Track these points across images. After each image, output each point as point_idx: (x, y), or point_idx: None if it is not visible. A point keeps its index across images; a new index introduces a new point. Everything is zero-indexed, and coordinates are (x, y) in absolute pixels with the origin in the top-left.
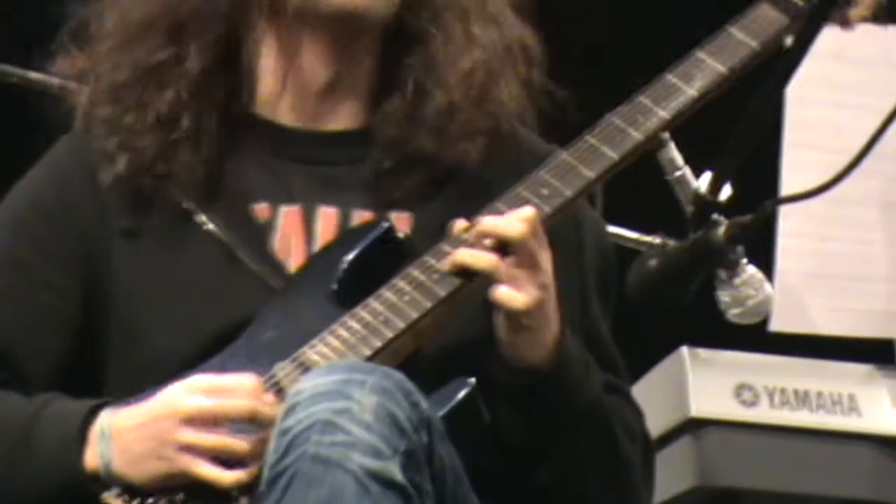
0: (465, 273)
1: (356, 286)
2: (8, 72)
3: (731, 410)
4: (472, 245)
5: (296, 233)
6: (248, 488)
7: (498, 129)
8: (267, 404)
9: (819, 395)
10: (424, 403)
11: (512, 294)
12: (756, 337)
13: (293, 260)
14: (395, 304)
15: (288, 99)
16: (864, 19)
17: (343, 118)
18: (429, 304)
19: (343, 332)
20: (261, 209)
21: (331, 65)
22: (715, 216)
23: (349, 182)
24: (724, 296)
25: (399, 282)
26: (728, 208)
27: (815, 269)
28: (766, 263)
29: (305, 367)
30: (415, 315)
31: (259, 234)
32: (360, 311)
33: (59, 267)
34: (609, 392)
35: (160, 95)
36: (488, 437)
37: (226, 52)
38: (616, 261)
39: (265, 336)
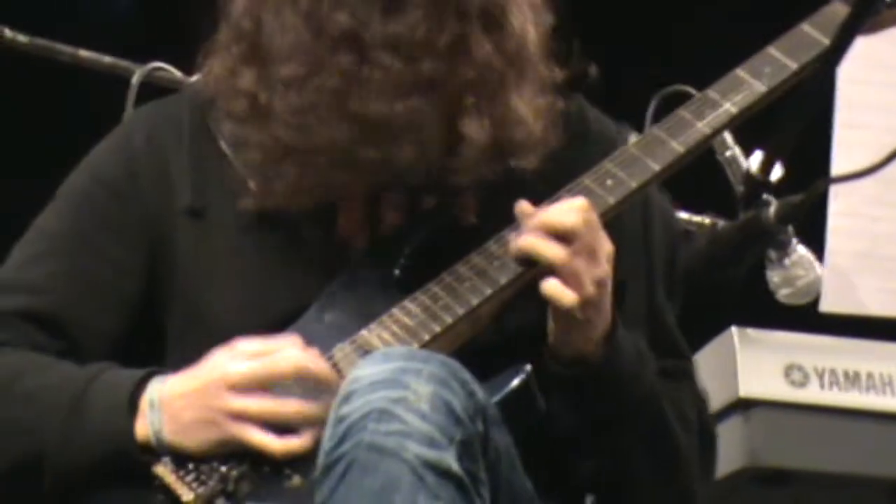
0: (528, 261)
1: (418, 271)
2: (57, 49)
3: (781, 391)
4: (533, 234)
5: (360, 216)
6: (302, 466)
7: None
8: (313, 361)
9: (869, 375)
10: (480, 392)
11: (562, 291)
12: (806, 317)
13: (357, 241)
14: (456, 290)
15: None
16: None
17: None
18: (489, 291)
19: (402, 317)
20: None
21: None
22: (765, 196)
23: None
24: (774, 276)
25: (460, 268)
26: (779, 188)
27: (865, 249)
28: (816, 244)
29: (364, 350)
30: (475, 301)
31: (324, 215)
32: (421, 295)
33: (124, 244)
34: (671, 378)
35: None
36: (543, 424)
37: None
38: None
39: (326, 317)
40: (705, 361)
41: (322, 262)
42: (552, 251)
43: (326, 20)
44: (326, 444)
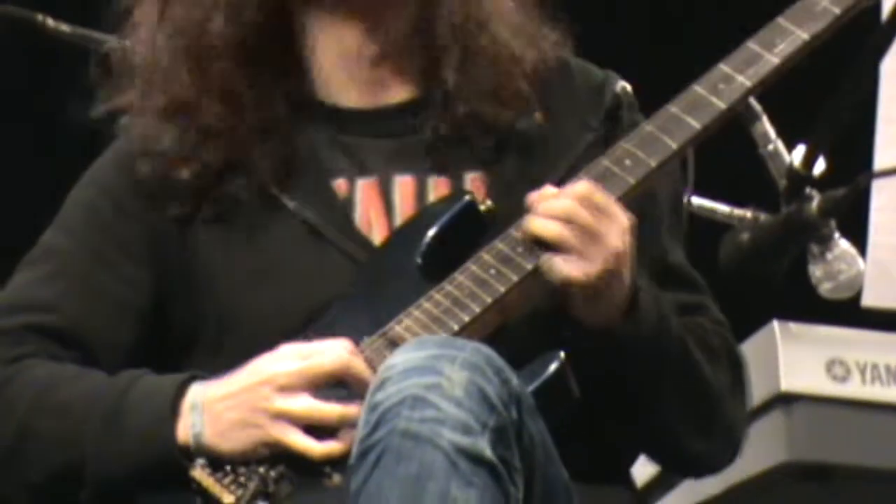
0: (542, 243)
1: (440, 259)
2: (98, 39)
3: (822, 385)
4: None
5: (375, 206)
6: (341, 465)
7: (545, 67)
8: (358, 362)
9: None
10: (514, 379)
11: (555, 266)
12: (848, 312)
13: (376, 233)
14: (482, 278)
15: (343, 80)
16: None
17: (399, 91)
18: (515, 278)
19: (429, 307)
20: (339, 185)
21: (372, 39)
22: (808, 190)
23: (418, 150)
24: (816, 270)
25: (484, 255)
26: (821, 182)
27: None
28: (859, 238)
29: (392, 342)
30: (502, 289)
31: (342, 210)
32: (447, 285)
33: (132, 257)
34: (690, 313)
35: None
36: (577, 411)
37: (280, 41)
38: (683, 179)
39: (350, 311)
40: (747, 355)
41: (344, 257)
42: (549, 229)
43: None
44: (360, 431)
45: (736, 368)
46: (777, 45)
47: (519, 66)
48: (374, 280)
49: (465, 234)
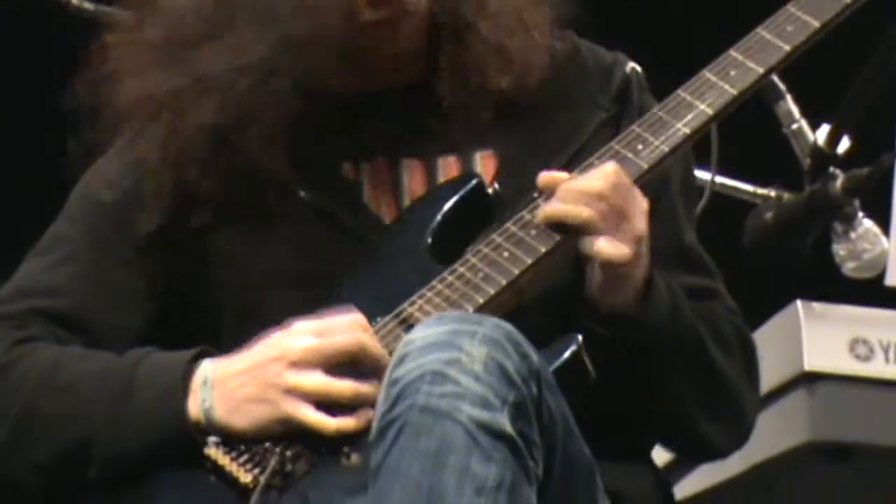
0: (561, 227)
1: (449, 240)
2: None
3: (846, 365)
4: (560, 200)
5: (384, 187)
6: (358, 444)
7: (552, 52)
8: (371, 339)
9: None
10: (534, 355)
11: (611, 246)
12: (872, 291)
13: (384, 214)
14: (495, 261)
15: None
16: None
17: (404, 74)
18: (529, 261)
19: (443, 288)
20: (347, 169)
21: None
22: (832, 169)
23: (427, 130)
24: (839, 249)
25: (497, 237)
26: (845, 161)
27: None
28: (882, 217)
29: (407, 324)
30: (516, 271)
31: (351, 193)
32: (459, 267)
33: (138, 245)
34: (700, 297)
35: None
36: (594, 392)
37: None
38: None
39: (360, 291)
40: (770, 335)
41: (355, 238)
42: (581, 213)
43: None
44: (380, 406)
45: (747, 355)
46: (787, 33)
47: (530, 40)
48: (384, 259)
49: (473, 215)
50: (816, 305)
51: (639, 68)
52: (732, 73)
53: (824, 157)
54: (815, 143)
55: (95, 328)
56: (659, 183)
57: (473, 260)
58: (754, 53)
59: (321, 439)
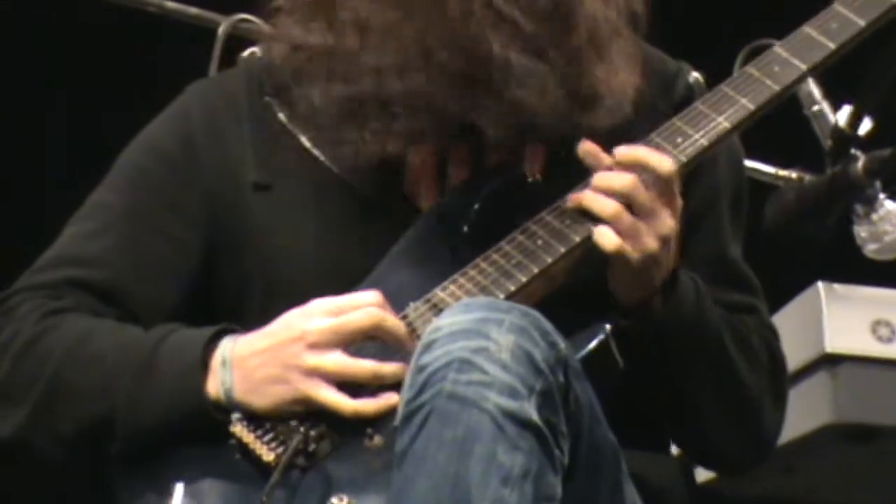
0: (589, 214)
1: (487, 228)
2: (145, 0)
3: (867, 346)
4: (591, 190)
5: (428, 174)
6: (382, 425)
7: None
8: (389, 317)
9: None
10: (561, 343)
11: (607, 237)
12: (893, 272)
13: (424, 200)
14: (529, 248)
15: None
16: None
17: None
18: (562, 249)
19: (476, 275)
20: (392, 153)
21: None
22: (853, 150)
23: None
24: (861, 231)
25: (532, 226)
26: (867, 143)
27: None
28: None
29: (438, 309)
30: (549, 260)
31: (391, 178)
32: (493, 254)
33: (180, 218)
34: (739, 312)
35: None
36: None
37: None
38: (748, 179)
39: (395, 275)
40: (791, 316)
41: (391, 222)
42: (606, 208)
43: None
44: (406, 393)
45: (775, 373)
46: (833, 30)
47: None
48: (419, 244)
49: (512, 204)
50: (838, 287)
51: (702, 79)
52: (776, 69)
53: (846, 138)
54: (836, 124)
55: (130, 301)
56: (709, 194)
57: (507, 247)
58: (799, 50)
59: (344, 420)
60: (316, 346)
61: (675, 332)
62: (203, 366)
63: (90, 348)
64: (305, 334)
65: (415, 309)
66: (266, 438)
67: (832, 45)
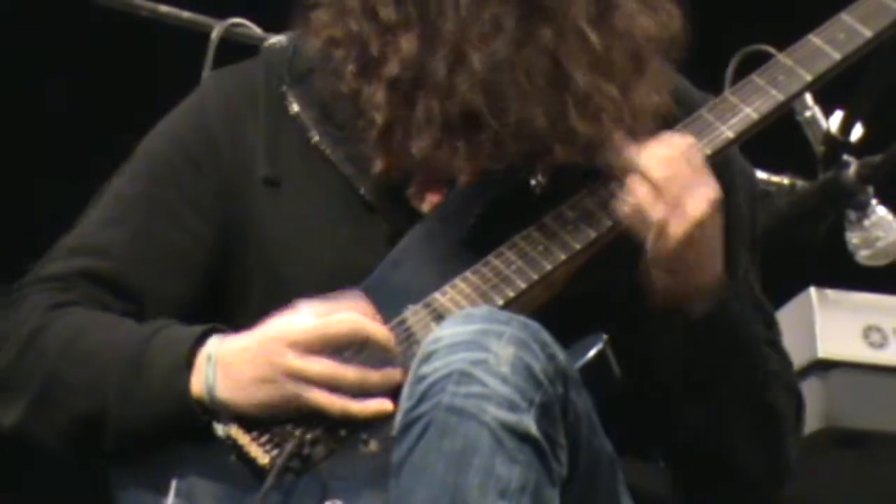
0: (594, 222)
1: (488, 231)
2: (138, 5)
3: (859, 352)
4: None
5: (434, 181)
6: (377, 431)
7: None
8: (372, 324)
9: None
10: (561, 354)
11: (654, 234)
12: (885, 278)
13: (428, 202)
14: (529, 254)
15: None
16: None
17: None
18: (563, 256)
19: (475, 280)
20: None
21: None
22: (845, 156)
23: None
24: (853, 237)
25: (533, 231)
26: (859, 149)
27: None
28: None
29: (437, 313)
30: (548, 266)
31: (395, 184)
32: (493, 259)
33: (196, 210)
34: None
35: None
36: (619, 392)
37: None
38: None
39: (395, 275)
40: (783, 322)
41: (393, 224)
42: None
43: None
44: (405, 403)
45: (800, 412)
46: (839, 41)
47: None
48: (421, 248)
49: (515, 208)
50: (830, 292)
51: None
52: (781, 77)
53: (838, 144)
54: (828, 130)
55: (140, 293)
56: (729, 226)
57: (508, 253)
58: (804, 60)
59: (340, 425)
60: (300, 348)
61: (720, 332)
62: (188, 363)
63: (86, 344)
64: (289, 334)
65: (414, 312)
66: (261, 441)
67: (838, 56)
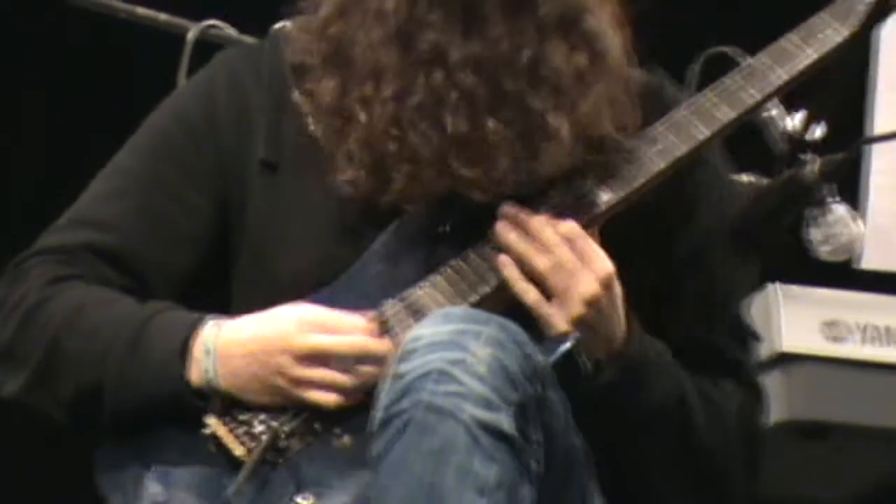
0: None
1: (467, 228)
2: (115, 7)
3: (820, 346)
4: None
5: None
6: (351, 426)
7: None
8: (375, 343)
9: None
10: (536, 354)
11: (545, 312)
12: (846, 274)
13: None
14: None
15: None
16: None
17: None
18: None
19: (452, 274)
20: None
21: None
22: (807, 155)
23: None
24: (814, 233)
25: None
26: (820, 147)
27: None
28: (856, 202)
29: (414, 309)
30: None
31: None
32: (471, 253)
33: (198, 187)
34: (718, 372)
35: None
36: (587, 389)
37: None
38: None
39: (375, 268)
40: None
41: (377, 219)
42: (520, 290)
43: (414, 39)
44: (384, 399)
45: (749, 439)
46: (816, 41)
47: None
48: (400, 240)
49: (492, 209)
50: (792, 288)
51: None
52: (758, 79)
53: (799, 143)
54: (790, 129)
55: (143, 269)
56: (701, 238)
57: (486, 248)
58: (780, 60)
59: (317, 417)
60: (303, 360)
61: (625, 394)
62: (183, 351)
63: (86, 319)
64: (293, 346)
65: (391, 306)
66: (239, 431)
67: (814, 56)
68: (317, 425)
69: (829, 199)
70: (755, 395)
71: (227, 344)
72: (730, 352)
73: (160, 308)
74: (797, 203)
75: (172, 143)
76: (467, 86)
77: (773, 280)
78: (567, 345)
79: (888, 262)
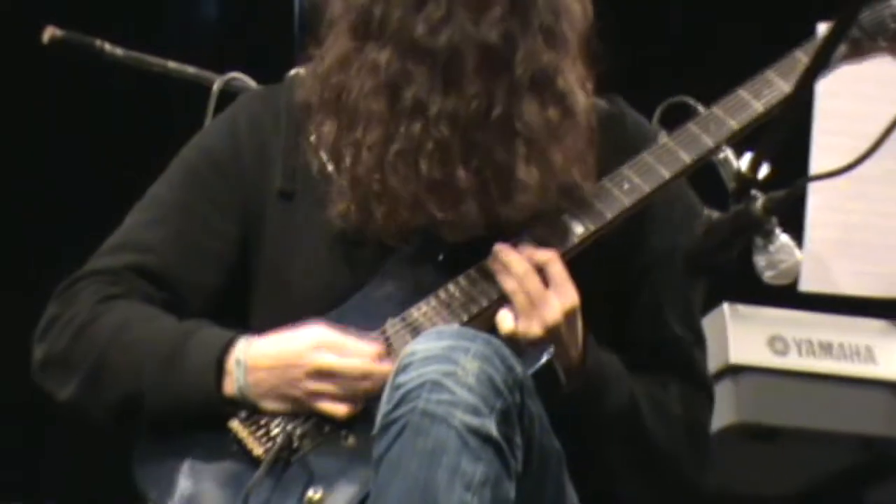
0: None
1: (460, 255)
2: (148, 61)
3: (765, 358)
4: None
5: None
6: (356, 428)
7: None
8: (378, 365)
9: (840, 346)
10: (518, 367)
11: (515, 325)
12: (788, 295)
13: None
14: (491, 274)
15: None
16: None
17: None
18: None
19: (446, 297)
20: None
21: None
22: (754, 192)
23: None
24: (760, 260)
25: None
26: (765, 185)
27: (839, 237)
28: (797, 232)
29: (412, 327)
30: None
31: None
32: (462, 279)
33: (224, 214)
34: (667, 370)
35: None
36: (563, 396)
37: None
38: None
39: (380, 291)
40: None
41: (383, 248)
42: (508, 285)
43: (400, 91)
44: (384, 407)
45: (694, 432)
46: (763, 95)
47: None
48: (402, 266)
49: (481, 240)
50: (740, 307)
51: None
52: (713, 127)
53: (747, 181)
54: (739, 169)
55: (179, 286)
56: (657, 251)
57: (474, 273)
58: (732, 111)
59: (325, 422)
60: (317, 376)
61: (581, 407)
62: (219, 365)
63: (130, 334)
64: (310, 365)
65: (392, 325)
66: (259, 433)
67: (762, 108)
68: (326, 428)
69: (774, 230)
70: (705, 394)
71: (255, 358)
72: (681, 354)
73: (197, 326)
74: (745, 234)
75: (201, 175)
76: (442, 137)
77: (724, 300)
78: (545, 356)
79: (822, 285)
